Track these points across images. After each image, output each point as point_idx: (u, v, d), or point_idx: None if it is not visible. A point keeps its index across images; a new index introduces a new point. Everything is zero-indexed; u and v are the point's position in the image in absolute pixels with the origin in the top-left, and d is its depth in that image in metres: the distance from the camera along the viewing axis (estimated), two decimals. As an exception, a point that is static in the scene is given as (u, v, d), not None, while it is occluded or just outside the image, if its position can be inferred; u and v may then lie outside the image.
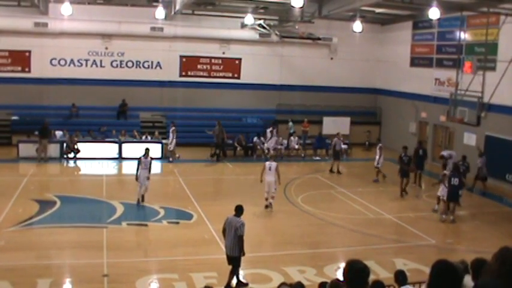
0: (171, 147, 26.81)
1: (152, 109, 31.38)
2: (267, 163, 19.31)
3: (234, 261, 12.08)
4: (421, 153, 23.93)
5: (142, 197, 18.94)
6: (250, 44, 32.45)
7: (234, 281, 12.22)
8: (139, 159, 19.14)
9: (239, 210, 12.21)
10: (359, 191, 21.95)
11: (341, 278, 4.93)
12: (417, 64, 30.69)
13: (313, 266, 13.63)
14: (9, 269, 12.67)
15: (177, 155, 27.08)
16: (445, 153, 24.26)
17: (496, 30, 23.14)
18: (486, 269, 4.79)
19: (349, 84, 33.70)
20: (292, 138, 29.68)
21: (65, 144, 26.28)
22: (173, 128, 26.89)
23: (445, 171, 19.72)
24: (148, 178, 18.92)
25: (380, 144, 24.80)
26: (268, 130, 28.58)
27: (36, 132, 25.87)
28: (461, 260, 6.65)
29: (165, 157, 27.02)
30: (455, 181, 18.16)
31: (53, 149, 26.14)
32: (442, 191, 18.98)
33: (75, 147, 26.12)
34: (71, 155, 26.11)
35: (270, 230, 17.45)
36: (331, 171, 25.75)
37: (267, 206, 18.91)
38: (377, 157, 24.22)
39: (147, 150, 19.47)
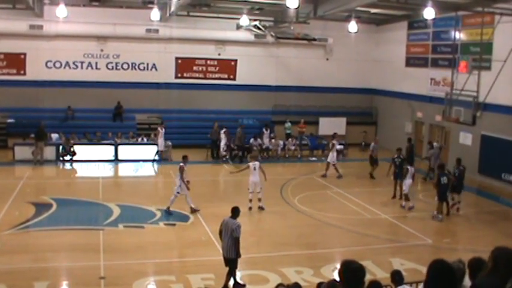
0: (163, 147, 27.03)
1: (148, 111, 31.35)
2: (251, 164, 19.20)
3: (231, 263, 12.07)
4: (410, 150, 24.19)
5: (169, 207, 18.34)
6: (246, 45, 32.47)
7: (231, 283, 12.21)
8: (182, 167, 18.41)
9: (235, 212, 12.20)
10: (355, 191, 21.96)
11: (338, 278, 4.93)
12: (412, 64, 30.75)
13: (310, 267, 13.62)
14: (6, 272, 12.62)
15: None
16: (435, 143, 24.85)
17: (491, 30, 23.19)
18: (483, 269, 4.81)
19: (345, 85, 33.75)
20: (290, 139, 29.75)
21: (61, 147, 26.23)
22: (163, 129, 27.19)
23: (407, 166, 20.11)
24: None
25: (334, 141, 25.20)
26: (222, 131, 27.68)
27: (32, 135, 25.82)
28: (459, 259, 6.65)
29: (162, 158, 27.11)
30: (444, 180, 18.29)
31: (49, 152, 26.05)
32: (404, 185, 19.72)
33: (71, 149, 26.07)
34: (67, 157, 26.06)
35: (266, 231, 17.44)
36: (371, 177, 24.75)
37: (250, 208, 18.69)
38: (331, 153, 24.69)
39: (185, 157, 19.18)
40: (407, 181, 19.73)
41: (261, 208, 19.05)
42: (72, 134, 27.05)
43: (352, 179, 24.74)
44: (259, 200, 19.05)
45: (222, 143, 27.67)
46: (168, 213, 18.06)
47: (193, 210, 18.23)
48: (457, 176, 19.32)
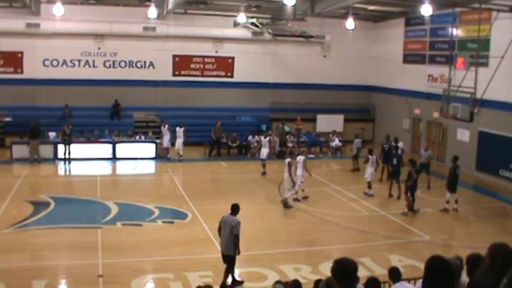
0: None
1: (146, 109, 31.34)
2: (298, 157, 20.34)
3: (230, 259, 12.08)
4: (387, 148, 23.78)
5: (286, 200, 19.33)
6: (243, 43, 32.44)
7: (230, 280, 12.22)
8: (290, 163, 19.32)
9: (235, 209, 12.21)
10: (353, 188, 21.95)
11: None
12: (410, 61, 30.77)
13: (309, 264, 13.64)
14: (4, 271, 12.62)
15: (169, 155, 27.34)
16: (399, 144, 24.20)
17: (488, 26, 23.22)
18: (481, 265, 4.83)
19: (343, 82, 33.73)
20: (287, 136, 29.76)
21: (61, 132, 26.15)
22: (167, 126, 27.13)
23: (369, 156, 21.10)
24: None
25: (269, 137, 25.46)
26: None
27: (28, 134, 25.73)
28: (456, 256, 6.67)
29: (159, 157, 27.11)
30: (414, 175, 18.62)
31: (47, 150, 26.02)
32: (366, 174, 21.01)
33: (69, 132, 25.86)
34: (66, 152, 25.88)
35: (265, 228, 17.44)
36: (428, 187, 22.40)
37: (305, 197, 20.14)
38: (263, 148, 24.62)
39: (292, 153, 20.09)
40: (369, 170, 20.83)
41: (296, 200, 19.78)
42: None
43: (350, 176, 24.74)
44: (296, 192, 19.89)
45: (180, 141, 26.85)
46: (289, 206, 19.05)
47: (288, 203, 19.19)
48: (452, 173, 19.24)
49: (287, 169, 19.21)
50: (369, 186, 21.05)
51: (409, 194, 18.61)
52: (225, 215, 12.25)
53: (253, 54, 32.82)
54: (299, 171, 19.80)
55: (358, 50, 33.57)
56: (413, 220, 18.04)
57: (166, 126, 27.08)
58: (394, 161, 21.13)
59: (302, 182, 19.94)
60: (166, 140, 27.01)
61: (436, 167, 24.49)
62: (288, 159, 19.72)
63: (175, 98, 31.62)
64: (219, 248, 12.37)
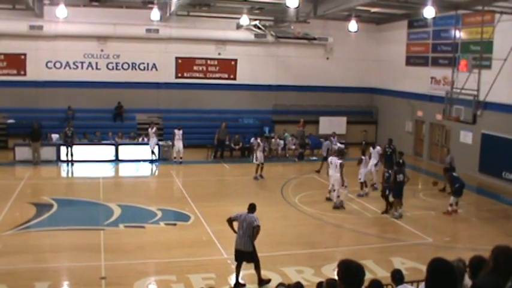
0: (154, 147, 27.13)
1: (148, 111, 31.31)
2: (329, 158, 20.50)
3: (248, 256, 12.17)
4: (389, 153, 23.25)
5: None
6: (246, 45, 32.46)
7: (233, 282, 12.22)
8: (342, 164, 19.36)
9: (252, 208, 12.40)
10: (356, 190, 21.89)
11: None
12: (413, 63, 30.75)
13: (311, 266, 13.63)
14: (7, 272, 12.62)
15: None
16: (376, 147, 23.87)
17: (491, 28, 23.19)
18: (484, 267, 4.82)
19: (345, 84, 33.73)
20: (290, 139, 29.72)
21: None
22: (155, 128, 27.24)
23: (362, 156, 21.33)
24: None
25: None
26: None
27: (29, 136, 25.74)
28: (459, 258, 6.65)
29: (161, 159, 27.12)
30: (400, 177, 18.40)
31: (50, 152, 26.05)
32: (359, 174, 21.12)
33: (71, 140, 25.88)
34: (69, 154, 25.88)
35: (267, 230, 17.29)
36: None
37: (328, 199, 20.12)
38: (259, 152, 24.08)
39: (342, 151, 21.15)
40: (362, 170, 21.08)
41: (339, 206, 19.52)
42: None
43: (352, 178, 24.64)
44: (332, 194, 19.96)
45: (180, 143, 26.60)
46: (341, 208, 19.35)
47: (336, 206, 19.41)
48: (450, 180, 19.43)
49: (338, 170, 19.23)
50: (361, 187, 21.28)
51: (388, 195, 18.68)
52: (241, 212, 12.31)
53: (256, 57, 32.83)
54: (331, 172, 19.79)
55: (360, 52, 33.56)
56: (415, 222, 17.98)
57: (154, 128, 27.07)
58: (388, 152, 21.91)
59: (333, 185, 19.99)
60: (153, 143, 26.94)
61: (439, 169, 24.40)
62: (339, 161, 19.49)
63: (178, 100, 31.65)
64: (221, 250, 12.34)
